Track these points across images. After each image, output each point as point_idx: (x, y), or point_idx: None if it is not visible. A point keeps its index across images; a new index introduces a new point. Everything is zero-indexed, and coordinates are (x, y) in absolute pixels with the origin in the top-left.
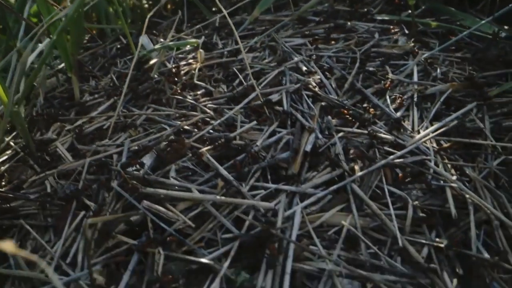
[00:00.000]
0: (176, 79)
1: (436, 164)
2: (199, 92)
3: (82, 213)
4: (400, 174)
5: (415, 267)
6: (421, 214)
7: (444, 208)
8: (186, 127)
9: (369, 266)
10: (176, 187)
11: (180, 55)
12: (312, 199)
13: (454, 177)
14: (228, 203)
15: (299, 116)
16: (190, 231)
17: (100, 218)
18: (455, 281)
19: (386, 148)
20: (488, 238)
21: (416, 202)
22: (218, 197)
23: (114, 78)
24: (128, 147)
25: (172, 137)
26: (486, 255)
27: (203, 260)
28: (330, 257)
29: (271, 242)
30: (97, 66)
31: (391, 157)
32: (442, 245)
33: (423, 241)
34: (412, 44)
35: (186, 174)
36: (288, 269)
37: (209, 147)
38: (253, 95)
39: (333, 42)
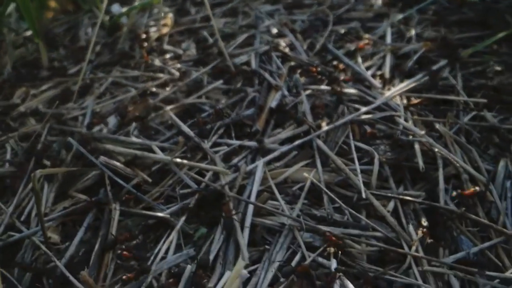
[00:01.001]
0: (145, 44)
1: (406, 120)
2: (167, 56)
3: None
4: (369, 130)
5: (380, 221)
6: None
7: (412, 163)
8: (152, 89)
9: (331, 221)
10: (138, 145)
11: (152, 22)
12: (275, 154)
13: (423, 132)
14: (184, 164)
15: (266, 75)
16: (149, 187)
17: (50, 170)
18: (420, 233)
19: (356, 105)
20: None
21: (383, 157)
22: (174, 159)
23: (83, 45)
24: (92, 109)
25: (137, 98)
26: (453, 207)
27: (160, 214)
28: (292, 212)
29: (224, 202)
30: (69, 36)
31: (358, 112)
32: (408, 198)
33: (389, 195)
34: (388, 7)
35: (149, 133)
36: (247, 223)
37: (172, 106)
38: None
39: (306, 7)
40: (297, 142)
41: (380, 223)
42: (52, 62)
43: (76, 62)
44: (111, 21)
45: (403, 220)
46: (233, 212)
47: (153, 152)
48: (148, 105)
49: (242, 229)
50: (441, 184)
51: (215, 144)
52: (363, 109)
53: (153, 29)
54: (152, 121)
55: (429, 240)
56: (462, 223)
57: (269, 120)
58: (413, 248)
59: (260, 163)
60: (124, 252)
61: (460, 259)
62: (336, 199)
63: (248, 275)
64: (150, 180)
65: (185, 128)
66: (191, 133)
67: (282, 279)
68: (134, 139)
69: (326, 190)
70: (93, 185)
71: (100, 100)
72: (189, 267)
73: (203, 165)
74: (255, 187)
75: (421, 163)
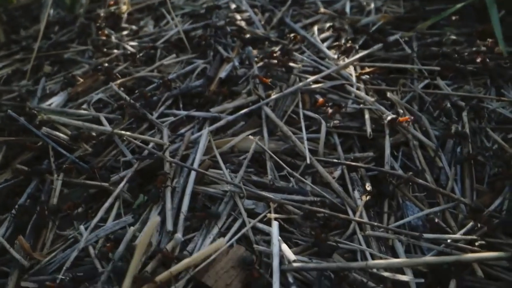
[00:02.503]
0: (103, 22)
1: (358, 89)
2: (124, 33)
3: None
4: (321, 99)
5: (326, 187)
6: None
7: (362, 131)
8: (105, 64)
9: (273, 187)
10: (86, 117)
11: (112, 1)
12: (221, 123)
13: (373, 99)
14: (126, 135)
15: (220, 48)
16: (92, 158)
17: None
18: (364, 198)
19: (308, 76)
20: (408, 160)
21: (331, 125)
22: (115, 130)
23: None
24: (44, 85)
25: (89, 73)
26: (400, 172)
27: (100, 183)
28: (234, 179)
29: (160, 173)
30: (30, 18)
31: (306, 81)
32: (355, 164)
33: (335, 160)
34: None
35: (98, 106)
36: (188, 190)
37: (122, 80)
38: (174, 30)
39: None
40: (244, 111)
41: (326, 189)
42: (10, 43)
43: (34, 41)
44: (71, 1)
45: (349, 187)
46: (167, 183)
47: (101, 124)
48: (98, 79)
49: (183, 196)
50: (387, 149)
51: (163, 115)
52: (312, 77)
53: (112, 8)
54: (102, 94)
55: (373, 206)
56: (408, 189)
57: (218, 91)
58: (357, 213)
59: (204, 131)
60: None
61: (405, 224)
62: (284, 165)
63: (182, 239)
64: (90, 150)
65: (130, 99)
66: (137, 105)
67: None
68: (81, 111)
69: (271, 154)
70: (38, 158)
71: (53, 77)
72: (131, 229)
73: (142, 136)
74: (199, 155)
75: (369, 130)
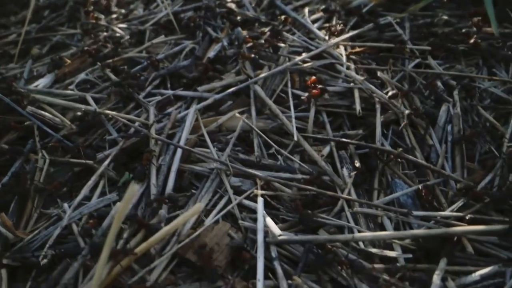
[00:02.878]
0: (93, 6)
1: (348, 68)
2: (114, 16)
3: None
4: (313, 77)
5: (314, 165)
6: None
7: (351, 110)
8: (94, 46)
9: (260, 164)
10: (72, 97)
11: None
12: (208, 101)
13: (363, 78)
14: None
15: (209, 29)
16: (78, 137)
17: None
18: (353, 175)
19: (297, 56)
20: (398, 138)
21: (321, 103)
22: (99, 109)
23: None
24: (32, 67)
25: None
26: (389, 148)
27: (85, 161)
28: (221, 157)
29: (147, 151)
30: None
31: (295, 60)
32: (344, 140)
33: (324, 137)
34: None
35: (85, 87)
36: (174, 168)
37: (110, 60)
38: (164, 12)
39: None
40: (232, 89)
41: (314, 167)
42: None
43: (22, 25)
44: None
45: (338, 165)
46: (153, 161)
47: (88, 104)
48: (85, 61)
49: (168, 174)
50: (378, 127)
51: (150, 95)
52: (301, 56)
53: None
54: (89, 75)
55: (362, 184)
56: (398, 166)
57: (206, 71)
58: (346, 191)
59: (191, 109)
60: None
61: (394, 201)
62: (271, 143)
63: (167, 215)
64: (74, 128)
65: (116, 79)
66: (123, 84)
67: (206, 222)
68: (67, 91)
69: (258, 131)
70: (23, 138)
71: (41, 59)
72: (116, 205)
73: (127, 116)
74: (185, 133)
75: (358, 108)
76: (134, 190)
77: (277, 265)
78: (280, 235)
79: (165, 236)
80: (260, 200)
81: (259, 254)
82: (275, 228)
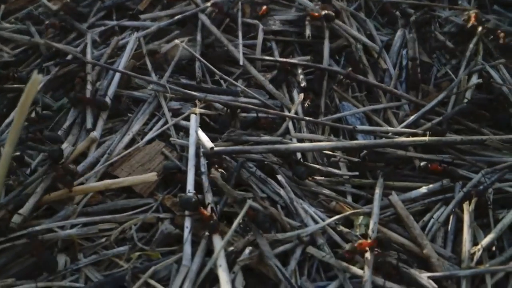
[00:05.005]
0: None
1: None
2: None
3: None
4: (264, 7)
5: (260, 89)
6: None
7: (302, 37)
8: None
9: (203, 87)
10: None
11: None
12: (152, 29)
13: (317, 6)
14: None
15: None
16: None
17: None
18: (301, 96)
19: None
20: (351, 65)
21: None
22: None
23: None
24: None
25: None
26: (338, 68)
27: (19, 86)
28: (160, 80)
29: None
30: None
31: None
32: (291, 61)
33: (271, 58)
34: None
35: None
36: (110, 92)
37: None
38: None
39: None
40: (177, 17)
41: (259, 91)
42: None
43: None
44: None
45: (285, 88)
46: (87, 85)
47: (31, 35)
48: None
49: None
50: (326, 48)
51: (94, 26)
52: None
53: None
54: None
55: (309, 104)
56: (348, 90)
57: (154, 3)
58: (292, 111)
59: (132, 37)
60: None
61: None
62: (215, 70)
63: (98, 136)
64: (14, 58)
65: (58, 10)
66: (65, 16)
67: (140, 144)
68: (8, 25)
69: (200, 58)
70: None
71: None
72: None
73: (61, 45)
74: (124, 59)
75: (308, 32)
76: (38, 80)
77: (205, 179)
78: (213, 147)
79: None
80: (193, 116)
81: (190, 166)
82: (207, 142)
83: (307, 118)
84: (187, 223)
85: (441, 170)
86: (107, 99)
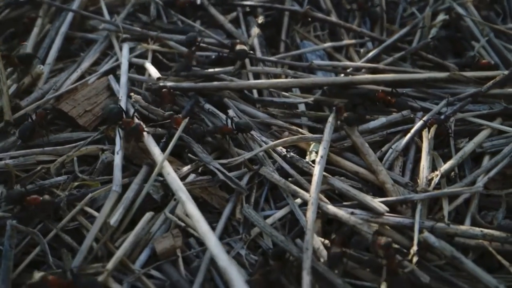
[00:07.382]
0: None
1: None
2: None
3: None
4: None
5: (219, 29)
6: None
7: None
8: None
9: (157, 25)
10: None
11: None
12: None
13: None
14: None
15: None
16: None
17: None
18: (257, 31)
19: None
20: (315, 6)
21: None
22: None
23: None
24: None
25: None
26: (297, 7)
27: None
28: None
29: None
30: None
31: None
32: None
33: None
34: None
35: None
36: (61, 31)
37: None
38: None
39: None
40: None
41: (217, 31)
42: None
43: None
44: None
45: (243, 28)
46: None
47: None
48: None
49: (55, 38)
50: None
51: None
52: None
53: None
54: None
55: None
56: (309, 30)
57: None
58: (249, 43)
59: None
60: None
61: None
62: (172, 12)
63: (44, 69)
64: None
65: None
66: None
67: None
68: None
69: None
70: None
71: None
72: None
73: None
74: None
75: None
76: None
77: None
78: (159, 77)
79: None
80: (125, 45)
81: (121, 94)
82: (155, 73)
83: (265, 57)
84: (117, 147)
85: (388, 100)
86: (58, 37)
